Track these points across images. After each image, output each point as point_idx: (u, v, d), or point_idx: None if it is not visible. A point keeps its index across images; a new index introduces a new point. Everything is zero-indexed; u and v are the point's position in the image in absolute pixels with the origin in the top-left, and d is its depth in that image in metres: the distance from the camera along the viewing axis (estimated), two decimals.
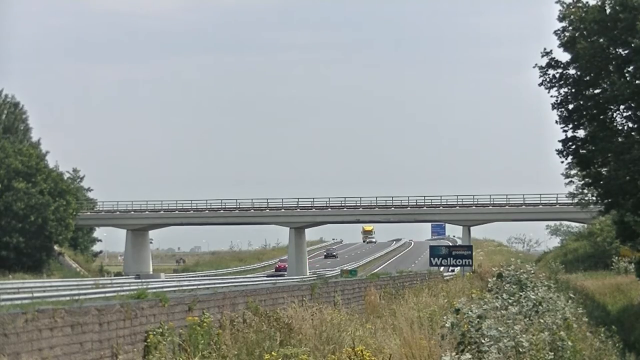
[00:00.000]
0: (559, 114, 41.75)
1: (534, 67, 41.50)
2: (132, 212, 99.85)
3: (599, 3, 39.88)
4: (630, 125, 41.26)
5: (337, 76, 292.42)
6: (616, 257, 64.51)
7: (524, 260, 33.86)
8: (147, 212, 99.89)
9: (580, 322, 23.27)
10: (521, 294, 21.64)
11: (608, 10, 39.38)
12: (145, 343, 17.03)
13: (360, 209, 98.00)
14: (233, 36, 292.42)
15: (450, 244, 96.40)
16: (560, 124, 41.88)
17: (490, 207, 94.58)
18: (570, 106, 41.57)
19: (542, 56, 41.31)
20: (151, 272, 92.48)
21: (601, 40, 39.40)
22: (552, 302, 21.94)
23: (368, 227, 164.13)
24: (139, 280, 63.42)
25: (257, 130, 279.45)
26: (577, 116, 41.50)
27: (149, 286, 40.38)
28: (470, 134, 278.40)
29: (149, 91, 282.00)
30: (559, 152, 42.59)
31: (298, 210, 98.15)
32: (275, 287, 26.21)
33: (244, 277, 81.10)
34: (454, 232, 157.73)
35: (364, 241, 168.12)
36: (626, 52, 39.30)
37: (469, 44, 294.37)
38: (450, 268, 68.82)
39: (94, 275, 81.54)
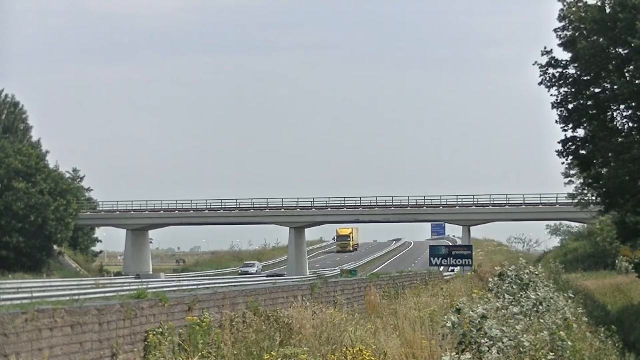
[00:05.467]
0: (559, 113, 41.79)
1: (534, 64, 41.57)
2: (132, 212, 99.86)
3: (599, 3, 39.89)
4: (631, 125, 41.28)
5: (337, 76, 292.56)
6: (620, 257, 64.51)
7: (525, 260, 33.81)
8: (147, 212, 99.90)
9: (580, 322, 23.26)
10: (522, 293, 21.64)
11: (608, 10, 39.40)
12: (145, 343, 17.02)
13: (360, 209, 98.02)
14: (233, 36, 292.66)
15: (450, 244, 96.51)
16: (560, 123, 41.91)
17: (490, 207, 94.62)
18: (570, 106, 41.60)
19: (543, 55, 41.37)
20: (151, 272, 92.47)
21: (601, 40, 39.41)
22: (552, 302, 21.94)
23: (344, 230, 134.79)
24: (139, 280, 63.41)
25: (257, 130, 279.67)
26: (577, 116, 41.52)
27: (149, 286, 40.37)
28: (470, 134, 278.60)
29: (149, 91, 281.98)
30: (559, 153, 42.60)
31: (298, 210, 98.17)
32: (275, 287, 26.19)
33: (244, 277, 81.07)
34: (454, 232, 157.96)
35: (338, 251, 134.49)
36: (626, 52, 39.30)
37: (468, 45, 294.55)
38: (450, 268, 68.83)
39: (94, 275, 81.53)
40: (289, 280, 54.33)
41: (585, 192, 63.02)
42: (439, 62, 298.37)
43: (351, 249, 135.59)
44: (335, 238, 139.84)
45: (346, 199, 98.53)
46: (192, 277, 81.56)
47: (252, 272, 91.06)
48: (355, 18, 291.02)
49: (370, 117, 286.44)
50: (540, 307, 20.48)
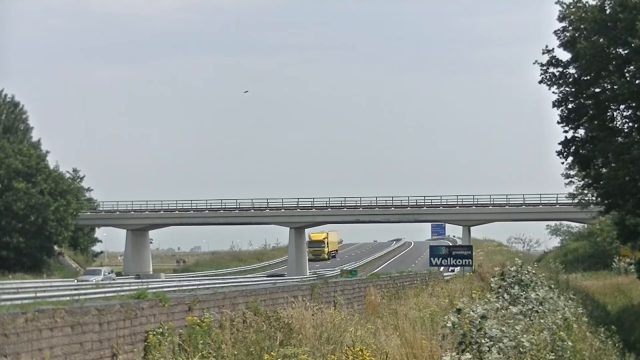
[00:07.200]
0: (560, 113, 41.82)
1: (534, 63, 41.60)
2: (132, 212, 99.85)
3: (599, 3, 39.90)
4: (630, 125, 41.28)
5: (338, 76, 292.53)
6: (617, 258, 64.54)
7: (525, 260, 33.84)
8: (147, 212, 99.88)
9: (580, 322, 23.27)
10: (522, 293, 21.67)
11: (608, 10, 39.40)
12: (145, 343, 17.03)
13: (360, 209, 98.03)
14: (233, 36, 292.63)
15: (450, 244, 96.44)
16: (560, 123, 41.94)
17: (490, 207, 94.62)
18: (570, 105, 41.62)
19: (543, 53, 41.39)
20: (151, 272, 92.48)
21: (601, 40, 39.40)
22: (552, 302, 21.97)
23: (317, 235, 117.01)
24: (139, 280, 63.44)
25: (257, 130, 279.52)
26: (577, 116, 41.53)
27: (149, 286, 40.40)
28: (470, 134, 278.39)
29: (149, 91, 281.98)
30: (559, 153, 42.60)
31: (298, 210, 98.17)
32: (275, 287, 26.22)
33: (243, 277, 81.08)
34: (454, 232, 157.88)
35: (310, 259, 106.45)
36: (626, 52, 39.30)
37: (468, 45, 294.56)
38: (450, 268, 68.82)
39: None
40: (289, 280, 54.36)
41: (585, 192, 63.01)
42: (439, 62, 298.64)
43: (326, 256, 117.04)
44: (308, 243, 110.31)
45: (346, 199, 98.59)
46: (192, 277, 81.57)
47: (95, 280, 63.19)
48: (356, 18, 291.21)
49: (370, 117, 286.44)
50: (541, 307, 20.51)
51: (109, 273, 69.79)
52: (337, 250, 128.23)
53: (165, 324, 17.65)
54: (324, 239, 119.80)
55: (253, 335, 19.31)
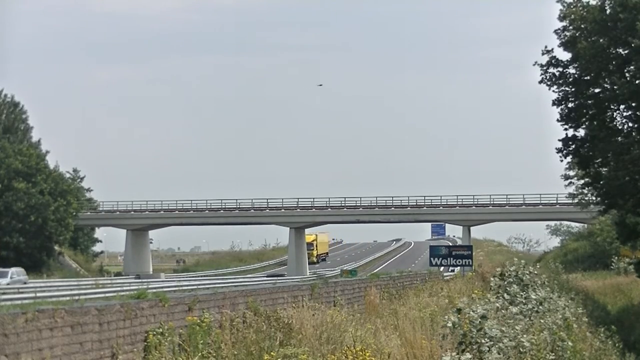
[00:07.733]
0: (560, 112, 41.85)
1: (534, 64, 41.63)
2: (132, 212, 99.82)
3: (599, 3, 39.93)
4: (630, 125, 41.30)
5: (338, 76, 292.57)
6: (616, 258, 64.55)
7: (525, 260, 33.82)
8: (147, 212, 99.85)
9: (580, 322, 23.26)
10: (522, 293, 21.66)
11: (608, 10, 39.44)
12: (145, 343, 17.03)
13: (360, 209, 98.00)
14: (233, 36, 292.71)
15: (450, 244, 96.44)
16: (560, 121, 41.98)
17: (490, 207, 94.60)
18: (570, 105, 41.65)
19: (543, 54, 41.41)
20: (151, 272, 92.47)
21: (601, 40, 39.44)
22: (552, 302, 21.97)
23: (307, 237, 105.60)
24: (139, 280, 63.41)
25: (257, 130, 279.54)
26: (576, 115, 41.57)
27: (149, 286, 40.34)
28: (470, 134, 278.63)
29: (149, 91, 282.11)
30: (559, 150, 42.61)
31: (298, 210, 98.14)
32: (275, 287, 26.22)
33: (244, 277, 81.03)
34: (454, 232, 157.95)
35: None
36: (626, 52, 39.34)
37: (469, 45, 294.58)
38: (450, 268, 68.85)
39: (94, 275, 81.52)
40: (289, 280, 54.34)
41: (585, 192, 63.05)
42: (439, 63, 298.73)
43: (315, 259, 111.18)
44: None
45: (346, 199, 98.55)
46: (192, 277, 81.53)
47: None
48: (356, 18, 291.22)
49: (370, 117, 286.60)
50: (541, 307, 20.50)
51: (18, 275, 56.74)
52: (327, 253, 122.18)
53: (165, 324, 17.65)
54: (312, 241, 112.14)
55: (253, 335, 19.30)
